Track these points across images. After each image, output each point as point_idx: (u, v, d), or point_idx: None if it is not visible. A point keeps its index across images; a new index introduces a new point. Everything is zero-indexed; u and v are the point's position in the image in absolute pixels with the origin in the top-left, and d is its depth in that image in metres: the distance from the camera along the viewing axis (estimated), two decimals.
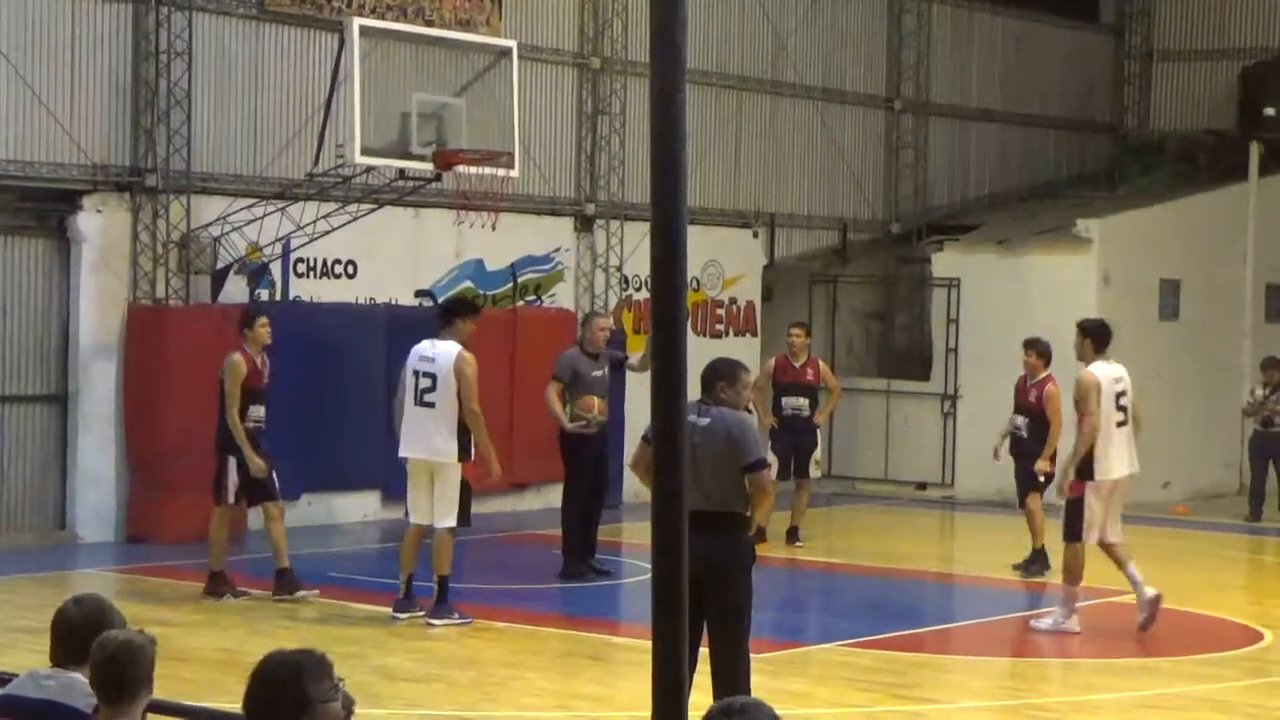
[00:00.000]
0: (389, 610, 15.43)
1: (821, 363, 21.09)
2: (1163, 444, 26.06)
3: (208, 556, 16.21)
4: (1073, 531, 15.47)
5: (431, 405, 15.05)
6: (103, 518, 19.40)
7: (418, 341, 15.47)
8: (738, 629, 10.55)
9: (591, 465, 17.75)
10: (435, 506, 15.12)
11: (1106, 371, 15.59)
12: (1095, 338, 15.72)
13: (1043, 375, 18.62)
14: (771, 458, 17.93)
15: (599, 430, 17.62)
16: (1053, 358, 18.70)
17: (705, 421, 10.53)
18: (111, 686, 6.21)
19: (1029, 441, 18.58)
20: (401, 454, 15.28)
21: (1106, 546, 15.71)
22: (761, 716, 4.99)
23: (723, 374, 10.88)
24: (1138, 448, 15.85)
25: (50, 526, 19.38)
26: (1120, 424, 15.51)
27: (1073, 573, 15.58)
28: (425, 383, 15.10)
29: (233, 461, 15.94)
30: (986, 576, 18.82)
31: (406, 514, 15.53)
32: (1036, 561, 18.68)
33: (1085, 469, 15.39)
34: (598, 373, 17.75)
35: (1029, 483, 18.64)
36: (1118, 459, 15.47)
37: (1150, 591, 15.52)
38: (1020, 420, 18.75)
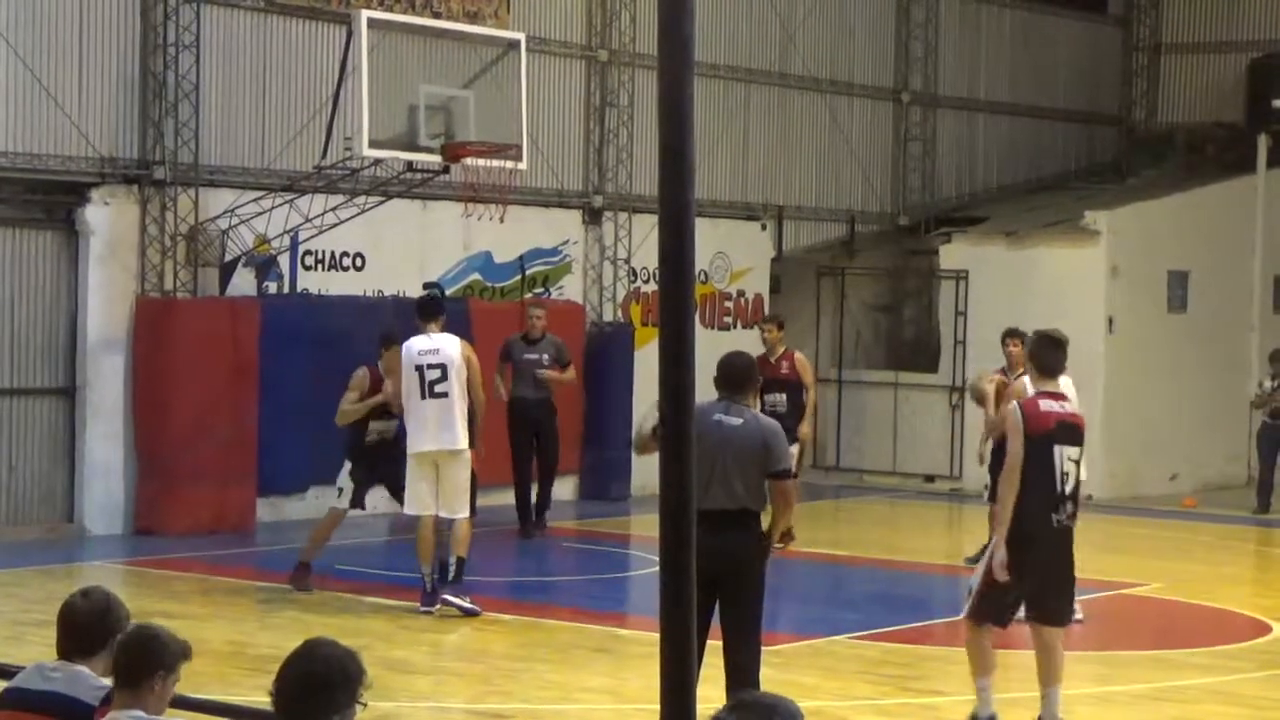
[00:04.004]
0: (396, 602, 15.43)
1: (798, 354, 20.02)
2: (1170, 436, 26.11)
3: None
4: None
5: (445, 395, 15.03)
6: (111, 510, 19.41)
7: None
8: (753, 622, 10.54)
9: (528, 436, 19.90)
10: (447, 498, 15.11)
11: None
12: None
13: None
14: None
15: (536, 405, 19.90)
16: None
17: (738, 422, 10.46)
18: (123, 669, 6.33)
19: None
20: (412, 450, 15.14)
21: None
22: (765, 713, 4.95)
23: (752, 374, 10.91)
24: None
25: (58, 519, 19.39)
26: None
27: None
28: (434, 374, 15.06)
29: (346, 466, 15.99)
30: None
31: (405, 509, 15.55)
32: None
33: None
34: (531, 356, 19.98)
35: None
36: None
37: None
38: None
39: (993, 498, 18.76)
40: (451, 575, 15.13)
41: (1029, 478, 11.19)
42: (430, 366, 15.09)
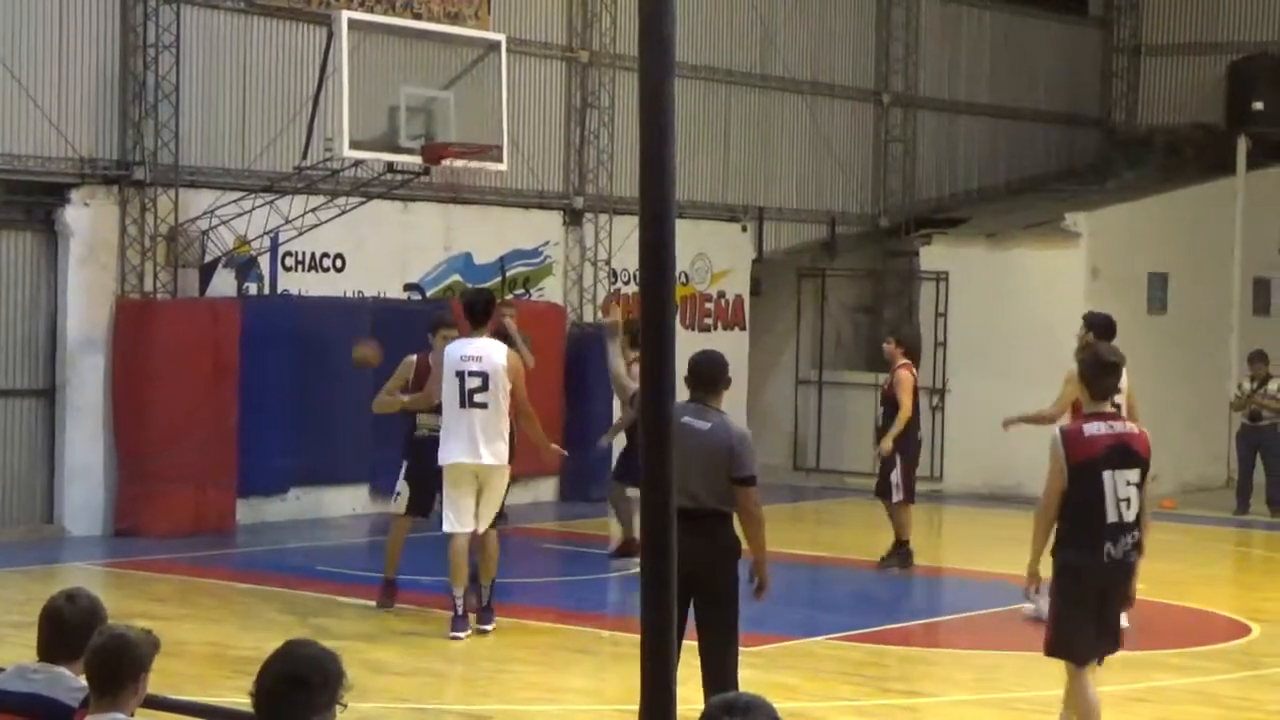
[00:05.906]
0: (377, 603, 15.36)
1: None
2: (1150, 438, 26.12)
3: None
4: None
5: (484, 406, 14.13)
6: (90, 511, 19.37)
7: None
8: (729, 621, 10.48)
9: None
10: (480, 510, 14.37)
11: None
12: (1098, 331, 15.37)
13: (899, 363, 18.51)
14: None
15: None
16: (920, 351, 18.65)
17: (705, 426, 10.26)
18: (101, 677, 6.27)
19: (885, 430, 18.49)
20: (445, 461, 14.23)
21: None
22: (764, 716, 4.94)
23: (725, 373, 10.66)
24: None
25: (38, 520, 19.36)
26: None
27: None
28: (474, 383, 14.15)
29: (404, 466, 15.24)
30: (974, 570, 18.81)
31: (442, 522, 14.52)
32: (898, 555, 18.53)
33: None
34: None
35: (887, 475, 18.46)
36: None
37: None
38: (881, 410, 18.76)
39: (880, 493, 18.66)
40: (485, 602, 14.54)
41: (1071, 509, 10.18)
42: (472, 374, 14.17)
